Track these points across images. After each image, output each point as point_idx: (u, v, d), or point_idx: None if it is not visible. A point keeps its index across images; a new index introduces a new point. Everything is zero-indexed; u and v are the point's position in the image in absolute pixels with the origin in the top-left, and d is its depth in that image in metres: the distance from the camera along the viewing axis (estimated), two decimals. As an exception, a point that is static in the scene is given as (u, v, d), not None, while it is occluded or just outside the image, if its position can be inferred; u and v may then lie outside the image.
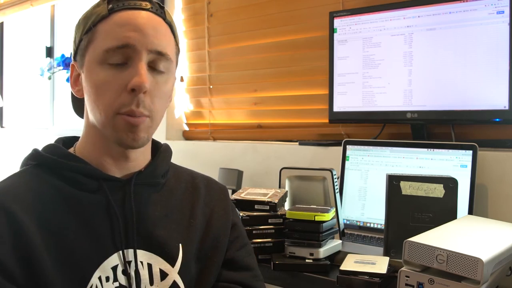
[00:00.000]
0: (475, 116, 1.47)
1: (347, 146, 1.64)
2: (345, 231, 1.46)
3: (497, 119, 1.43)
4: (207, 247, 0.89)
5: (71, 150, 0.86)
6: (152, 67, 0.80)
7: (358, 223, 1.58)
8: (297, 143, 1.94)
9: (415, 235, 1.01)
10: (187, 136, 2.45)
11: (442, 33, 1.51)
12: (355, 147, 1.63)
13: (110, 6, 0.80)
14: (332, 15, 1.73)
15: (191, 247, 0.86)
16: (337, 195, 1.36)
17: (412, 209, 1.21)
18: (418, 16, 1.56)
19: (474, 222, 1.19)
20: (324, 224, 1.23)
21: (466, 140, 1.47)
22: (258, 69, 2.15)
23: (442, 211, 1.19)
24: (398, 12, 1.59)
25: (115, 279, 0.79)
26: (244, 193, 1.40)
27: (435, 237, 1.00)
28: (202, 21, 2.33)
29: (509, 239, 1.04)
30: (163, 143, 0.95)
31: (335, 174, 1.37)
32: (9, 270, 0.71)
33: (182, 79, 2.43)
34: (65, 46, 3.31)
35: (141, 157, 0.87)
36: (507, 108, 1.40)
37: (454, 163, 1.43)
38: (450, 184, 1.20)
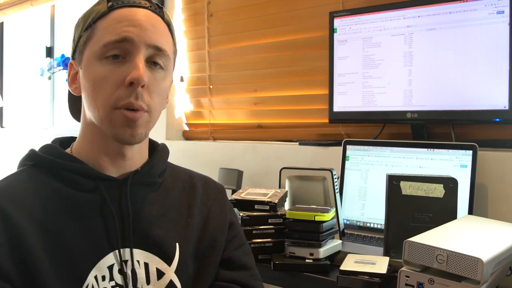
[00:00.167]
0: (475, 116, 1.47)
1: (347, 146, 1.64)
2: (345, 231, 1.46)
3: (497, 119, 1.43)
4: (204, 247, 0.89)
5: (67, 150, 0.87)
6: (151, 63, 0.81)
7: (358, 223, 1.58)
8: (297, 143, 1.94)
9: (415, 235, 1.01)
10: (187, 136, 2.46)
11: (442, 33, 1.51)
12: (355, 147, 1.63)
13: (110, 3, 0.81)
14: (332, 15, 1.73)
15: (188, 246, 0.86)
16: (337, 195, 1.36)
17: (412, 209, 1.21)
18: (418, 16, 1.56)
19: (474, 222, 1.19)
20: (324, 224, 1.23)
21: (466, 140, 1.47)
22: (258, 69, 2.15)
23: (442, 211, 1.19)
24: (398, 12, 1.59)
25: (111, 278, 0.79)
26: (244, 193, 1.40)
27: (435, 237, 1.00)
28: (202, 21, 2.33)
29: (509, 239, 1.04)
30: (160, 143, 0.95)
31: (335, 174, 1.37)
32: (6, 271, 0.71)
33: (182, 79, 2.43)
34: (65, 46, 3.31)
35: (137, 156, 0.87)
36: (507, 108, 1.40)
37: (454, 163, 1.43)
38: (450, 184, 1.20)
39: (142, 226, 0.83)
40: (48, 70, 3.10)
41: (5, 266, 0.71)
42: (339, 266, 1.14)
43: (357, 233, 1.53)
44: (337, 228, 1.33)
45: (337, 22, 1.72)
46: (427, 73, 1.55)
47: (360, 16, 1.67)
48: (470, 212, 1.37)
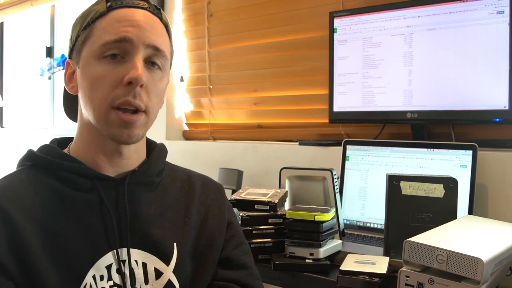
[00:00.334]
0: (475, 116, 1.47)
1: (347, 146, 1.64)
2: (345, 231, 1.46)
3: (497, 119, 1.43)
4: (202, 246, 0.89)
5: (65, 150, 0.87)
6: (149, 64, 0.81)
7: (358, 223, 1.58)
8: (297, 143, 1.94)
9: (415, 235, 1.01)
10: (187, 136, 2.46)
11: (442, 33, 1.51)
12: (355, 147, 1.63)
13: (109, 4, 0.81)
14: (332, 15, 1.73)
15: (186, 245, 0.87)
16: (337, 195, 1.36)
17: (412, 209, 1.21)
18: (418, 16, 1.56)
19: (474, 222, 1.19)
20: (324, 224, 1.23)
21: (466, 140, 1.47)
22: (258, 69, 2.15)
23: (442, 211, 1.19)
24: (398, 12, 1.59)
25: (110, 278, 0.79)
26: (244, 193, 1.40)
27: (435, 237, 1.00)
28: (202, 21, 2.33)
29: (509, 239, 1.04)
30: (158, 143, 0.95)
31: (335, 174, 1.37)
32: (7, 268, 0.71)
33: (182, 79, 2.43)
34: (65, 46, 3.31)
35: (134, 155, 0.87)
36: (507, 108, 1.40)
37: (454, 163, 1.43)
38: (450, 184, 1.20)
39: (140, 225, 0.84)
40: (48, 70, 3.10)
41: (6, 263, 0.71)
42: (339, 266, 1.14)
43: (357, 233, 1.53)
44: (337, 228, 1.33)
45: (337, 22, 1.72)
46: (427, 73, 1.55)
47: (360, 16, 1.67)
48: (470, 212, 1.37)
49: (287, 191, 1.44)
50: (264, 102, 2.15)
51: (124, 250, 0.81)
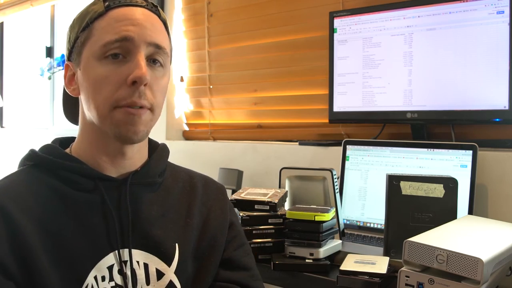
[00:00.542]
0: (475, 116, 1.47)
1: (347, 146, 1.64)
2: (345, 231, 1.46)
3: (497, 119, 1.43)
4: (204, 247, 0.89)
5: (67, 150, 0.87)
6: (150, 62, 0.81)
7: (358, 223, 1.58)
8: (297, 143, 1.94)
9: (415, 235, 1.01)
10: (187, 136, 2.46)
11: (442, 33, 1.51)
12: (355, 147, 1.63)
13: (107, 3, 0.81)
14: (332, 15, 1.73)
15: (187, 246, 0.86)
16: (337, 195, 1.36)
17: (412, 209, 1.21)
18: (418, 16, 1.56)
19: (474, 222, 1.19)
20: (324, 224, 1.23)
21: (466, 140, 1.47)
22: (258, 69, 2.15)
23: (442, 211, 1.19)
24: (398, 12, 1.59)
25: (111, 279, 0.79)
26: (244, 193, 1.40)
27: (435, 237, 1.00)
28: (202, 21, 2.33)
29: (509, 239, 1.04)
30: (160, 143, 0.95)
31: (335, 174, 1.37)
32: (8, 268, 0.71)
33: (182, 79, 2.43)
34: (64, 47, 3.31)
35: (137, 155, 0.87)
36: (507, 108, 1.40)
37: (454, 163, 1.43)
38: (450, 184, 1.20)
39: (142, 226, 0.83)
40: (48, 70, 3.10)
41: (7, 263, 0.71)
42: (339, 266, 1.14)
43: (357, 233, 1.53)
44: (337, 228, 1.33)
45: (337, 22, 1.72)
46: (427, 73, 1.55)
47: (360, 16, 1.67)
48: (470, 212, 1.37)
49: (287, 191, 1.44)
50: (264, 102, 2.15)
51: (126, 250, 0.81)
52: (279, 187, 1.47)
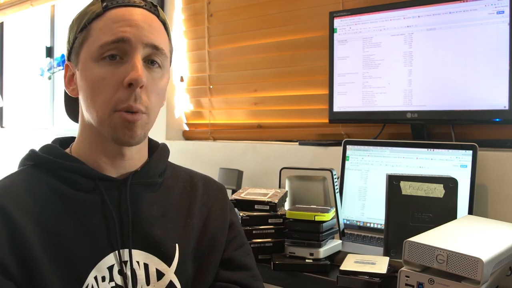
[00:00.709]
0: (475, 116, 1.47)
1: (347, 146, 1.64)
2: (345, 231, 1.46)
3: (497, 119, 1.43)
4: (204, 247, 0.88)
5: (67, 150, 0.87)
6: (148, 63, 0.81)
7: (358, 223, 1.58)
8: (297, 143, 1.94)
9: (415, 235, 1.01)
10: (187, 136, 2.46)
11: (442, 33, 1.51)
12: (355, 147, 1.63)
13: (105, 4, 0.80)
14: (332, 15, 1.73)
15: (187, 246, 0.86)
16: (337, 195, 1.36)
17: (412, 209, 1.21)
18: (418, 16, 1.56)
19: (474, 222, 1.19)
20: (324, 224, 1.23)
21: (466, 140, 1.47)
22: (258, 69, 2.15)
23: (442, 211, 1.19)
24: (398, 12, 1.59)
25: (111, 279, 0.79)
26: (244, 193, 1.40)
27: (435, 237, 1.00)
28: (202, 21, 2.33)
29: (509, 239, 1.04)
30: (160, 143, 0.95)
31: (335, 174, 1.37)
32: (8, 268, 0.71)
33: (182, 79, 2.43)
34: (64, 48, 3.31)
35: (137, 156, 0.87)
36: (507, 108, 1.40)
37: (454, 163, 1.43)
38: (450, 184, 1.20)
39: (142, 226, 0.83)
40: (48, 70, 3.10)
41: (7, 263, 0.71)
42: (339, 266, 1.14)
43: (357, 233, 1.53)
44: (337, 228, 1.33)
45: (337, 22, 1.72)
46: (427, 73, 1.55)
47: (360, 16, 1.67)
48: (470, 212, 1.37)
49: (287, 191, 1.44)
50: (264, 102, 2.15)
51: (126, 251, 0.81)
52: (279, 187, 1.47)
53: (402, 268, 0.98)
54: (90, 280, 0.76)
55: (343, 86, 1.72)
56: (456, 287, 0.91)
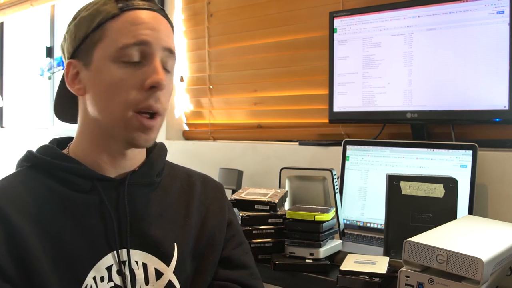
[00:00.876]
0: (475, 116, 1.47)
1: (347, 146, 1.64)
2: (345, 231, 1.46)
3: (497, 119, 1.43)
4: (202, 246, 0.88)
5: (64, 151, 0.86)
6: (163, 66, 0.81)
7: (358, 223, 1.58)
8: (297, 143, 1.94)
9: (415, 235, 1.01)
10: (187, 136, 2.45)
11: (442, 33, 1.51)
12: (355, 147, 1.63)
13: (121, 5, 0.80)
14: (332, 15, 1.73)
15: (186, 246, 0.86)
16: (337, 195, 1.36)
17: (412, 209, 1.20)
18: (418, 16, 1.56)
19: (474, 222, 1.19)
20: (324, 224, 1.23)
21: (466, 140, 1.47)
22: (258, 69, 2.15)
23: (442, 211, 1.19)
24: (398, 12, 1.59)
25: (110, 279, 0.79)
26: (244, 193, 1.40)
27: (435, 237, 1.00)
28: (202, 21, 2.33)
29: (509, 239, 1.04)
30: (158, 142, 0.95)
31: (335, 174, 1.37)
32: (5, 271, 0.71)
33: (182, 79, 2.43)
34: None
35: (138, 156, 0.87)
36: (507, 108, 1.40)
37: (454, 163, 1.43)
38: (450, 184, 1.20)
39: (140, 226, 0.83)
40: (48, 70, 3.10)
41: (4, 265, 0.71)
42: (339, 266, 1.14)
43: (357, 233, 1.53)
44: (337, 228, 1.33)
45: (337, 22, 1.72)
46: (427, 73, 1.55)
47: (360, 16, 1.67)
48: (470, 212, 1.37)
49: (287, 191, 1.44)
50: (264, 102, 2.15)
51: (124, 251, 0.81)
52: (279, 187, 1.47)
53: (402, 268, 0.98)
54: (88, 280, 0.76)
55: (343, 86, 1.72)
56: (456, 287, 0.91)
